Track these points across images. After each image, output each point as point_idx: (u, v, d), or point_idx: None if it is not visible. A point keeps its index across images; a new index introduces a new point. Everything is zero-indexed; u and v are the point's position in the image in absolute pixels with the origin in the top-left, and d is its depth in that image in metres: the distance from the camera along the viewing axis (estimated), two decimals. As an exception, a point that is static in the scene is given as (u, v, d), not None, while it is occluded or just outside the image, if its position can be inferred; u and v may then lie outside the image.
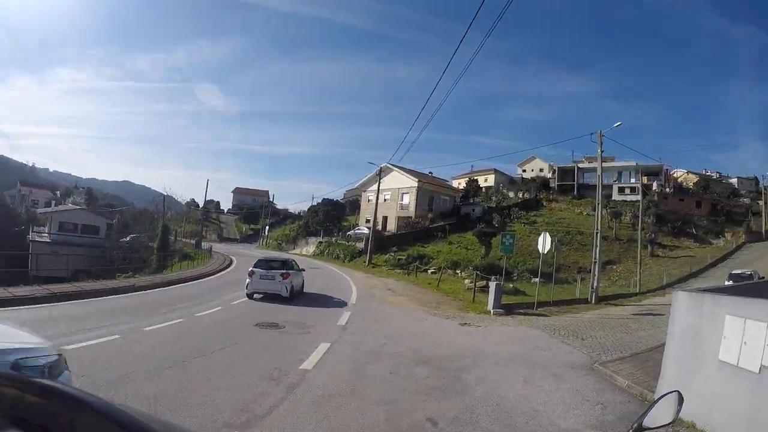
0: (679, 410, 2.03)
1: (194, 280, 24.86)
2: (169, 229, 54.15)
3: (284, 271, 18.95)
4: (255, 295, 18.40)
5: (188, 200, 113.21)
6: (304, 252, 63.12)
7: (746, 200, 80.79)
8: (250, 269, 19.32)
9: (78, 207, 70.09)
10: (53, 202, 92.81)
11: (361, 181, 68.39)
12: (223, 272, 30.36)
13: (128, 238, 58.45)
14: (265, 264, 19.48)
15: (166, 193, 74.44)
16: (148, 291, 19.11)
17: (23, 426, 0.96)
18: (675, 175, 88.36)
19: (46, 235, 54.89)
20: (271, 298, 17.96)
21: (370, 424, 6.26)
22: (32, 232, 56.51)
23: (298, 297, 19.45)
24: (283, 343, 10.79)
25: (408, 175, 61.18)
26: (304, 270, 22.73)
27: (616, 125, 28.96)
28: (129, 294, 17.61)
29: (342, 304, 18.80)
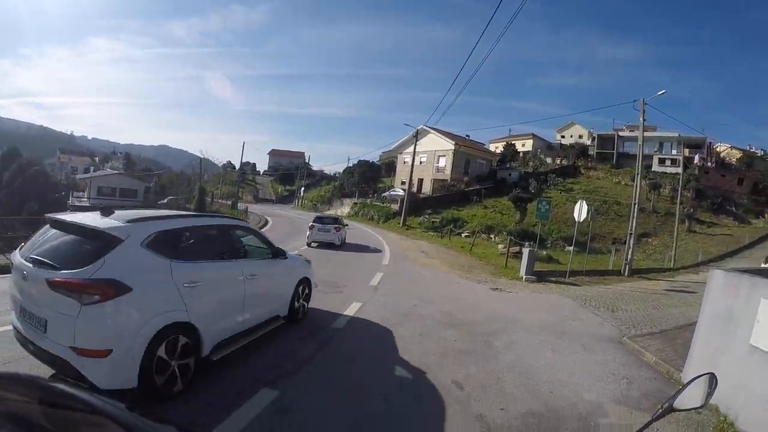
0: (711, 394, 2.03)
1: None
2: (206, 191, 54.94)
3: (336, 225, 25.07)
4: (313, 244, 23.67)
5: (225, 162, 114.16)
6: (339, 213, 63.51)
7: None
8: (310, 224, 25.30)
9: (116, 171, 71.84)
10: (92, 168, 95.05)
11: (397, 143, 68.08)
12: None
13: (166, 200, 59.40)
14: (321, 220, 25.61)
15: (202, 156, 74.98)
16: None
17: (23, 426, 0.97)
18: (718, 149, 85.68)
19: (86, 199, 56.30)
20: (307, 257, 18.25)
21: (397, 383, 6.49)
22: (72, 197, 57.93)
23: (343, 245, 25.01)
24: (316, 303, 10.94)
25: (445, 138, 60.74)
26: (348, 225, 29.21)
27: (659, 93, 28.17)
28: None
29: (375, 264, 18.96)
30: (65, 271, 4.81)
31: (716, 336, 7.37)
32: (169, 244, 5.59)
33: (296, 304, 8.88)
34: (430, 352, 8.07)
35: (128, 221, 5.44)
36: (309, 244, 23.86)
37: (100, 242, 5.06)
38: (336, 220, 26.23)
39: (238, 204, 59.78)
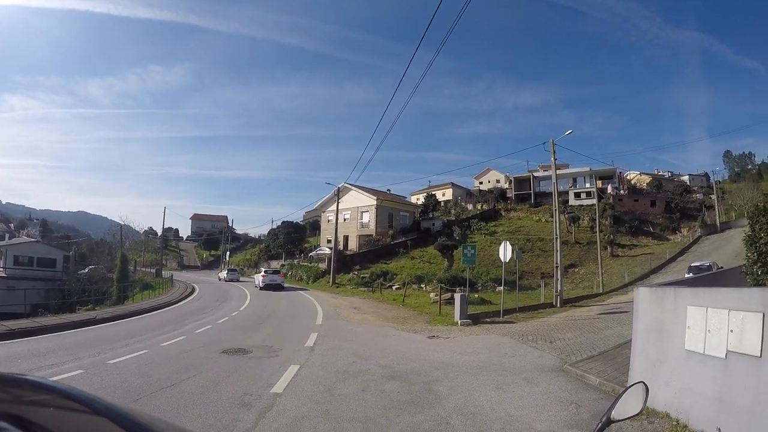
0: (645, 400, 2.05)
1: (157, 309, 24.31)
2: (128, 259, 53.23)
3: (281, 273, 39.38)
4: (229, 319, 19.81)
5: (146, 228, 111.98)
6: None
7: (699, 196, 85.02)
8: (261, 273, 40.22)
9: (33, 239, 68.92)
10: (7, 235, 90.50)
11: (319, 202, 68.35)
12: (185, 300, 29.84)
13: (86, 270, 57.40)
14: (270, 271, 40.97)
15: (122, 223, 73.10)
16: (110, 323, 18.62)
17: (23, 426, 0.93)
18: (628, 177, 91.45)
19: (1, 269, 53.29)
20: (238, 325, 18.19)
21: (345, 442, 6.16)
22: None
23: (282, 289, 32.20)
24: (252, 368, 10.58)
25: (366, 194, 61.34)
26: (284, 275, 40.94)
27: (567, 133, 29.64)
28: (90, 327, 17.23)
29: (308, 325, 18.55)
30: None
31: (652, 347, 7.52)
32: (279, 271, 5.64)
33: None
34: (374, 406, 7.82)
35: None
36: (261, 288, 37.88)
37: None
38: (278, 271, 44.80)
39: (163, 272, 58.23)
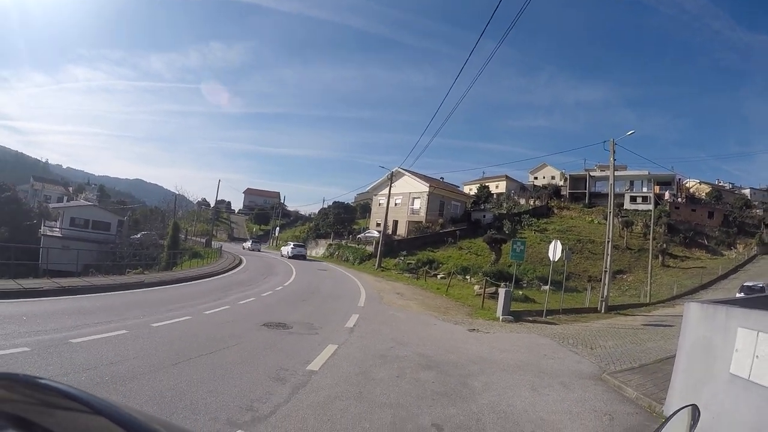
0: (694, 425, 1.94)
1: (204, 278, 24.88)
2: (180, 228, 54.44)
3: (303, 245, 50.72)
4: (264, 294, 19.87)
5: (199, 199, 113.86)
6: (314, 254, 63.31)
7: (759, 211, 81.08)
8: (291, 246, 51.18)
9: (89, 203, 70.72)
10: (65, 198, 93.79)
11: (372, 185, 68.48)
12: (231, 272, 30.35)
13: (139, 235, 58.89)
14: (297, 244, 51.93)
15: (177, 192, 74.69)
16: (157, 288, 19.09)
17: (23, 426, 0.95)
18: (687, 185, 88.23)
19: (58, 229, 55.28)
20: (281, 299, 18.58)
21: (374, 427, 6.20)
22: (44, 226, 56.96)
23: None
24: (291, 344, 10.74)
25: (419, 180, 61.16)
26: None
27: (629, 133, 28.79)
28: (138, 290, 17.68)
29: (350, 306, 18.71)
30: None
31: (696, 367, 7.33)
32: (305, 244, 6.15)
33: None
34: (408, 394, 7.86)
35: None
36: (289, 257, 47.20)
37: None
38: (302, 244, 56.69)
39: (212, 242, 59.32)
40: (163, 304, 14.52)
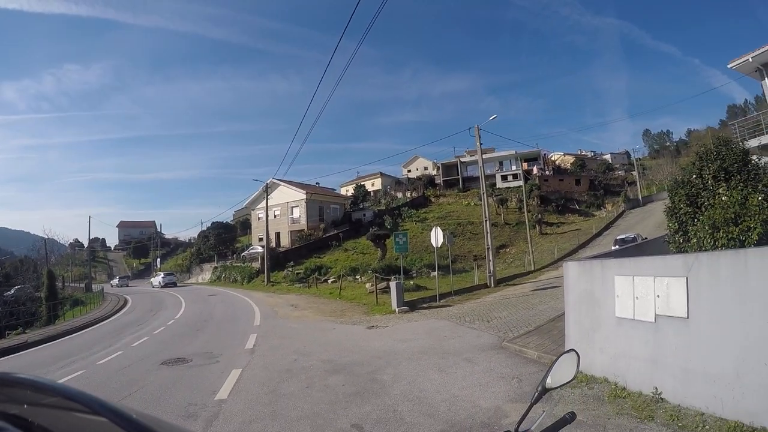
0: (578, 366, 2.09)
1: (90, 326, 23.32)
2: (55, 275, 50.70)
3: (173, 274, 54.49)
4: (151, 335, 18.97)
5: (72, 241, 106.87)
6: (201, 280, 61.57)
7: (621, 173, 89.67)
8: (161, 276, 49.56)
9: None
10: None
11: (249, 200, 67.29)
12: (119, 314, 28.76)
13: (12, 291, 54.46)
14: (166, 273, 55.56)
15: (46, 236, 69.78)
16: (43, 345, 17.82)
17: (23, 426, 0.94)
18: (553, 158, 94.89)
19: None
20: (175, 334, 17.90)
21: (295, 441, 6.13)
22: None
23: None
24: (194, 377, 10.36)
25: (296, 188, 60.84)
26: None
27: (491, 118, 30.01)
28: (23, 351, 16.52)
29: (247, 327, 18.27)
30: None
31: (585, 318, 7.81)
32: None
33: None
34: (321, 401, 7.81)
35: None
36: (162, 286, 47.17)
37: None
38: (171, 273, 59.17)
39: (93, 285, 56.31)
40: (53, 362, 13.55)
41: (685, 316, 5.75)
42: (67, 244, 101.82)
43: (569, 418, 1.89)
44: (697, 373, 5.65)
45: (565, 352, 2.08)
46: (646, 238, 29.16)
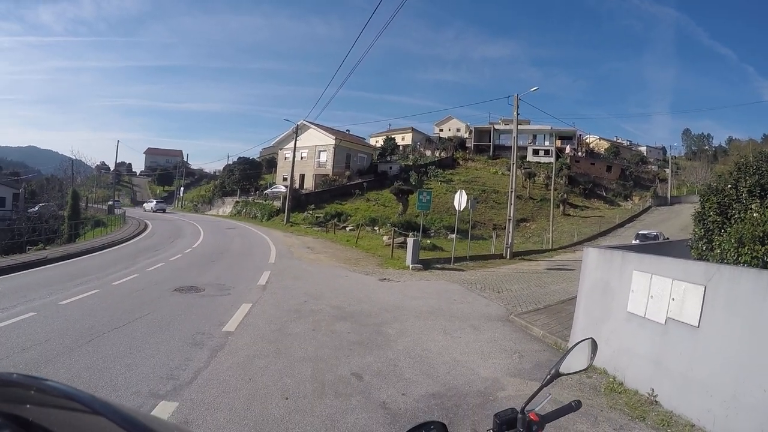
0: (593, 356, 2.07)
1: (109, 247, 23.63)
2: (80, 196, 51.09)
3: (164, 201, 58.74)
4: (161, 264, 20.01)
5: (98, 163, 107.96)
6: (221, 213, 62.15)
7: (654, 167, 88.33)
8: (153, 202, 54.24)
9: None
10: None
11: (277, 139, 67.06)
12: (138, 238, 29.14)
13: (36, 208, 55.25)
14: (159, 200, 64.62)
15: (74, 157, 70.13)
16: (62, 262, 18.00)
17: (23, 426, 0.92)
18: (587, 140, 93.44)
19: None
20: (190, 262, 18.25)
21: (296, 382, 6.27)
22: None
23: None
24: (204, 307, 10.59)
25: (325, 133, 60.51)
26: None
27: (532, 89, 29.48)
28: (41, 267, 16.63)
29: (261, 263, 18.53)
30: None
31: (596, 307, 7.82)
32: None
33: None
34: (325, 346, 7.99)
35: None
36: (153, 211, 44.91)
37: None
38: (163, 200, 64.31)
39: (115, 209, 57.09)
40: (69, 280, 13.77)
41: (696, 324, 5.73)
42: (93, 167, 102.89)
43: (575, 405, 1.93)
44: (696, 383, 5.66)
45: (583, 340, 2.07)
46: (668, 239, 28.82)
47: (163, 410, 5.23)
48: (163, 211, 63.99)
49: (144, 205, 64.85)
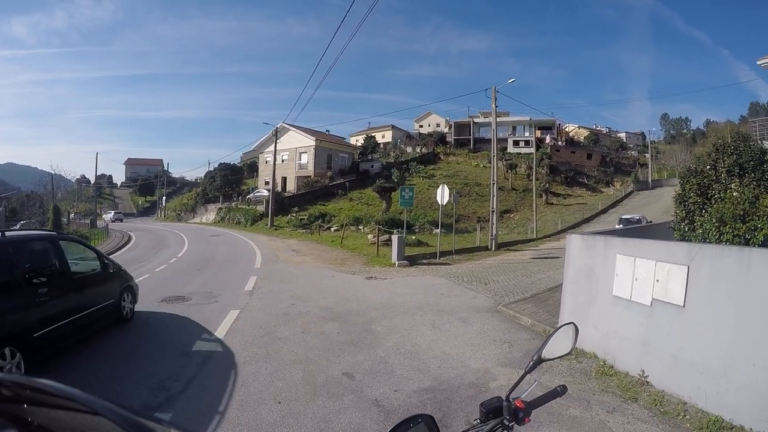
0: (575, 340, 2.08)
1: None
2: (61, 211, 50.65)
3: (121, 212, 58.81)
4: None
5: (78, 177, 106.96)
6: (205, 220, 61.83)
7: (634, 153, 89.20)
8: (111, 214, 50.01)
9: None
10: None
11: (257, 143, 66.98)
12: (122, 250, 28.88)
13: (18, 226, 54.69)
14: (114, 212, 57.28)
15: (53, 172, 69.38)
16: None
17: (23, 426, 0.95)
18: (567, 129, 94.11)
19: None
20: (176, 272, 18.19)
21: (287, 386, 6.26)
22: None
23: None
24: (192, 315, 10.56)
25: (305, 134, 60.44)
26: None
27: (509, 81, 29.57)
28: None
29: (247, 269, 18.46)
30: None
31: (582, 292, 7.88)
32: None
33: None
34: (315, 348, 7.98)
35: None
36: (112, 221, 35.00)
37: None
38: (120, 212, 68.05)
39: (97, 222, 56.56)
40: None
41: (682, 304, 5.79)
42: (74, 180, 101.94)
43: (560, 390, 1.94)
44: (686, 362, 5.72)
45: (564, 324, 2.07)
46: (650, 222, 29.10)
47: (155, 422, 5.19)
48: (120, 220, 69.89)
49: (104, 216, 65.77)
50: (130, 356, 7.57)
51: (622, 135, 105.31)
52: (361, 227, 37.98)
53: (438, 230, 26.12)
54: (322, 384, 6.34)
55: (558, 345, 2.02)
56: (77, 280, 7.95)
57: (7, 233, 6.82)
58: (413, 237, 28.67)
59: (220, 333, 8.91)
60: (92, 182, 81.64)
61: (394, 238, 20.68)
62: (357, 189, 53.87)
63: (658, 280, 6.17)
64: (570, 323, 2.08)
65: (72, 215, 65.65)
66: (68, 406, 1.01)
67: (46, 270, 7.16)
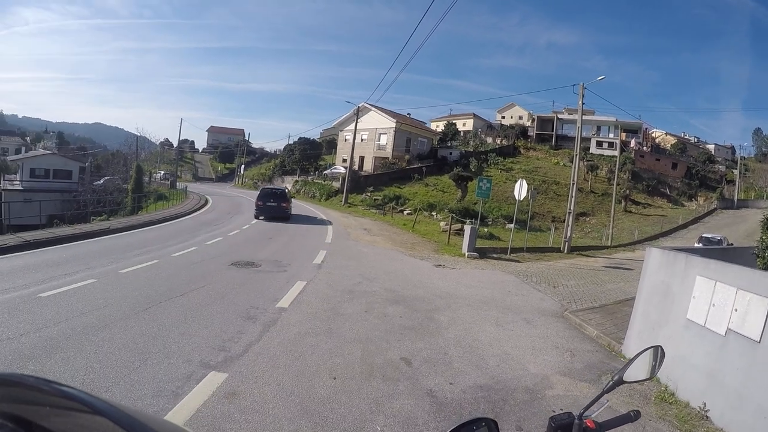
0: (658, 366, 2.01)
1: (169, 220, 24.40)
2: (143, 170, 52.86)
3: (172, 174, 44.11)
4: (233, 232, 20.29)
5: (162, 140, 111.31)
6: (280, 191, 62.82)
7: (721, 167, 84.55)
8: (161, 173, 35.89)
9: (49, 152, 67.65)
10: (23, 149, 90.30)
11: (338, 120, 67.50)
12: (198, 212, 29.88)
13: (102, 181, 57.22)
14: (164, 173, 45.05)
15: (138, 134, 72.39)
16: (124, 233, 18.66)
17: (23, 426, 0.95)
18: (653, 134, 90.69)
19: (18, 182, 52.89)
20: (248, 238, 18.69)
21: (344, 363, 6.38)
22: (3, 180, 54.88)
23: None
24: (259, 282, 10.84)
25: (386, 116, 60.60)
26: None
27: (599, 78, 28.69)
28: (104, 237, 17.24)
29: (318, 242, 18.79)
30: None
31: (654, 310, 7.59)
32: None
33: None
34: (376, 329, 8.06)
35: None
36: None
37: None
38: (171, 173, 47.34)
39: (177, 183, 58.48)
40: (130, 250, 14.29)
41: (758, 339, 5.45)
42: (157, 143, 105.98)
43: (634, 416, 1.89)
44: (752, 402, 5.38)
45: (650, 348, 2.01)
46: (731, 244, 27.74)
47: (213, 381, 5.41)
48: (173, 181, 68.63)
49: (154, 175, 67.21)
50: (196, 314, 7.91)
51: (711, 147, 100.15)
52: (434, 213, 37.83)
53: (511, 225, 25.75)
54: (379, 366, 6.41)
55: (640, 368, 1.97)
56: None
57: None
58: (485, 229, 28.40)
59: (284, 302, 9.15)
60: (175, 146, 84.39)
61: (467, 228, 20.51)
62: (433, 175, 53.64)
63: (736, 310, 5.83)
64: (657, 346, 2.03)
65: (160, 174, 68.51)
66: (68, 406, 1.01)
67: None
